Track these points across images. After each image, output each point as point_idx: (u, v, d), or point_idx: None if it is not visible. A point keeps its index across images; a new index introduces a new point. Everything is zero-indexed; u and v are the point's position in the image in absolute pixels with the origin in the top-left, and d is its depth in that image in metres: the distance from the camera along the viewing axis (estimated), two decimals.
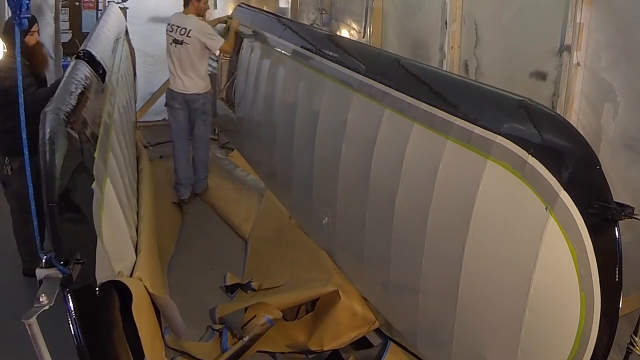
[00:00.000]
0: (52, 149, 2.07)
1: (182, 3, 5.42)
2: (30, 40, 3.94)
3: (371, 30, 6.09)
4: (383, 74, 3.19)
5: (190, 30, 5.23)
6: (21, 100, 2.17)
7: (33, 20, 3.95)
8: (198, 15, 5.42)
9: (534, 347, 2.26)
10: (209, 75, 7.91)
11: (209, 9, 5.86)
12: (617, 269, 2.10)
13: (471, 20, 4.67)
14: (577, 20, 3.56)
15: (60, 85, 2.71)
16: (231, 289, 4.16)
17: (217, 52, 5.77)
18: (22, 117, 2.14)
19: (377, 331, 3.46)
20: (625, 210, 2.05)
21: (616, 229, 2.09)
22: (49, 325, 1.91)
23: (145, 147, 6.34)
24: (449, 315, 2.58)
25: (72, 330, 2.06)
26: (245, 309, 3.59)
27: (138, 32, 7.25)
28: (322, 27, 6.97)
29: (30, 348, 1.91)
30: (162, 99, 6.60)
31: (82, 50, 3.42)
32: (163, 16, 6.52)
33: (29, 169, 2.10)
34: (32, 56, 3.92)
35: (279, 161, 4.68)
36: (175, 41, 5.31)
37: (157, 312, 2.78)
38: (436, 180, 2.60)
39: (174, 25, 5.33)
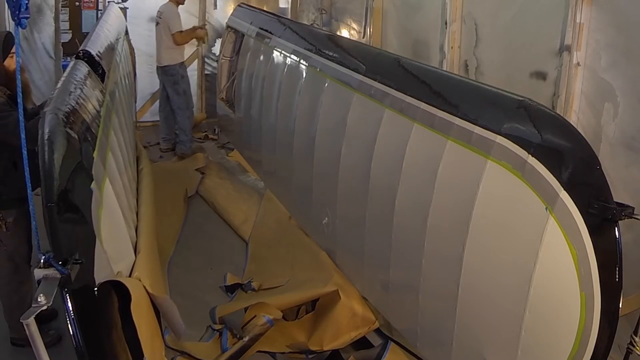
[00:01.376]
0: (51, 149, 2.06)
1: (180, 1, 6.71)
2: (11, 64, 3.16)
3: (371, 30, 6.10)
4: (383, 74, 3.19)
5: (162, 13, 6.61)
6: (23, 136, 2.13)
7: (13, 40, 3.13)
8: (178, 3, 6.68)
9: (534, 347, 2.25)
10: (209, 74, 8.01)
11: None
12: (617, 269, 2.10)
13: (471, 20, 4.67)
14: (577, 20, 3.56)
15: (60, 85, 2.70)
16: (231, 289, 4.15)
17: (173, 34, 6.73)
18: (25, 155, 2.09)
19: (377, 331, 3.46)
20: (625, 210, 2.05)
21: (616, 229, 2.08)
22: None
23: (145, 147, 6.34)
24: (449, 315, 2.58)
25: (71, 331, 2.06)
26: (245, 309, 3.59)
27: (138, 32, 7.24)
28: (322, 27, 6.97)
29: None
30: None
31: (81, 50, 3.40)
32: None
33: (29, 178, 2.07)
34: (13, 83, 2.84)
35: (279, 161, 4.68)
36: (156, 24, 6.70)
37: (157, 312, 2.77)
38: (436, 180, 2.59)
39: (158, 11, 6.69)
